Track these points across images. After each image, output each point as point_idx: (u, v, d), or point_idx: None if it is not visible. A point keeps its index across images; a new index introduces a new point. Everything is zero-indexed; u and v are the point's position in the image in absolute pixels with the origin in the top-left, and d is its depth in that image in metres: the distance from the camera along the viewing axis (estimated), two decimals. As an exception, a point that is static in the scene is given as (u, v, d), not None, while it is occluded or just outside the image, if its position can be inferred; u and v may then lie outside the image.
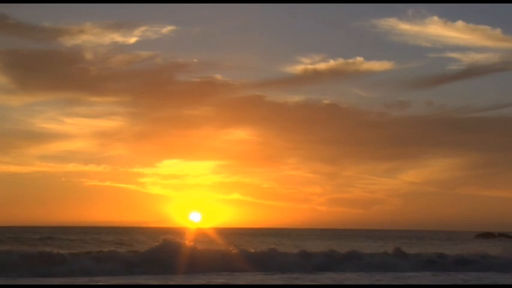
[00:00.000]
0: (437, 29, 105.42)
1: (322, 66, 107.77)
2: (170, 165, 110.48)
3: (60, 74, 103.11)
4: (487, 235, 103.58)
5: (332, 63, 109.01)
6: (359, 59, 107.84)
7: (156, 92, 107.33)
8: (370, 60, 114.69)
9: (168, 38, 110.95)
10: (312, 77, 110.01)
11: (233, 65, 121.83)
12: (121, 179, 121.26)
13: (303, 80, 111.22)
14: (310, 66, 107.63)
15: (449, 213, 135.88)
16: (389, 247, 37.97)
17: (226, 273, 24.90)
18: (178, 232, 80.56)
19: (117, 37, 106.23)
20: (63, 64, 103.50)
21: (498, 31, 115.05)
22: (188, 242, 28.71)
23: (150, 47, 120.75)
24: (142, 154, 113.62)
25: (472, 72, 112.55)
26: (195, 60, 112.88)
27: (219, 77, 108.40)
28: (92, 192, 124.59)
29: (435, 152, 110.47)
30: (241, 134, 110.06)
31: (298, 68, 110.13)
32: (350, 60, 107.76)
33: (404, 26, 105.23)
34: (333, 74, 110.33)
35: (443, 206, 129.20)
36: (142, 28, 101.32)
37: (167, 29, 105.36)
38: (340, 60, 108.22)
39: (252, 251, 29.97)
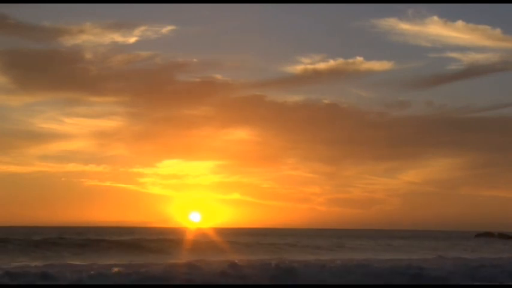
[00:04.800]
0: (437, 29, 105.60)
1: (322, 66, 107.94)
2: (170, 165, 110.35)
3: (60, 74, 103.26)
4: (486, 235, 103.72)
5: (332, 63, 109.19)
6: (359, 59, 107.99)
7: (156, 92, 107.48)
8: (370, 60, 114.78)
9: (168, 38, 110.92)
10: (312, 77, 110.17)
11: (233, 65, 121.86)
12: (121, 179, 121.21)
13: (302, 80, 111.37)
14: (310, 66, 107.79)
15: (449, 213, 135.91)
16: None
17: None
18: (178, 232, 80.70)
19: (117, 37, 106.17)
20: (63, 64, 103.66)
21: (498, 31, 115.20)
22: None
23: (150, 47, 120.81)
24: (142, 154, 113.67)
25: (472, 72, 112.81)
26: (194, 60, 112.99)
27: (219, 77, 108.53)
28: (92, 192, 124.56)
29: (435, 152, 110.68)
30: (241, 134, 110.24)
31: (298, 68, 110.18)
32: (350, 60, 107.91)
33: (404, 26, 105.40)
34: (333, 74, 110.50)
35: (443, 206, 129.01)
36: (142, 28, 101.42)
37: (167, 29, 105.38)
38: (340, 60, 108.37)
39: None
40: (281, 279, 21.65)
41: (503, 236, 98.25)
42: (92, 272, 20.88)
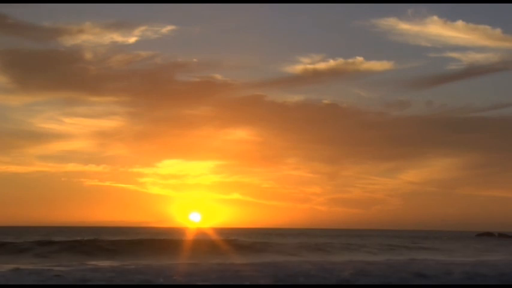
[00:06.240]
0: (437, 29, 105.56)
1: (322, 66, 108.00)
2: (170, 165, 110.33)
3: (60, 73, 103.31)
4: (487, 235, 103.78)
5: (332, 63, 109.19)
6: (359, 58, 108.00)
7: (156, 92, 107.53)
8: (370, 60, 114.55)
9: (167, 37, 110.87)
10: (312, 77, 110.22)
11: (233, 65, 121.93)
12: (121, 179, 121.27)
13: (302, 79, 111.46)
14: (310, 66, 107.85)
15: (449, 213, 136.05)
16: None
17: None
18: (178, 232, 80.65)
19: (117, 37, 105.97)
20: (63, 64, 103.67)
21: (498, 31, 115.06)
22: None
23: (150, 47, 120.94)
24: (142, 154, 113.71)
25: (472, 72, 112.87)
26: (194, 60, 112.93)
27: (218, 76, 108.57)
28: (91, 192, 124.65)
29: (435, 152, 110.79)
30: (241, 134, 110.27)
31: (298, 68, 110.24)
32: (350, 60, 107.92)
33: (404, 26, 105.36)
34: (333, 74, 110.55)
35: (443, 206, 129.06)
36: (142, 28, 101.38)
37: (167, 29, 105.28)
38: (340, 60, 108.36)
39: None
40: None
41: (503, 236, 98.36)
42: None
